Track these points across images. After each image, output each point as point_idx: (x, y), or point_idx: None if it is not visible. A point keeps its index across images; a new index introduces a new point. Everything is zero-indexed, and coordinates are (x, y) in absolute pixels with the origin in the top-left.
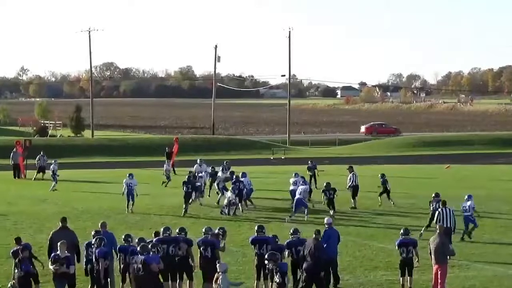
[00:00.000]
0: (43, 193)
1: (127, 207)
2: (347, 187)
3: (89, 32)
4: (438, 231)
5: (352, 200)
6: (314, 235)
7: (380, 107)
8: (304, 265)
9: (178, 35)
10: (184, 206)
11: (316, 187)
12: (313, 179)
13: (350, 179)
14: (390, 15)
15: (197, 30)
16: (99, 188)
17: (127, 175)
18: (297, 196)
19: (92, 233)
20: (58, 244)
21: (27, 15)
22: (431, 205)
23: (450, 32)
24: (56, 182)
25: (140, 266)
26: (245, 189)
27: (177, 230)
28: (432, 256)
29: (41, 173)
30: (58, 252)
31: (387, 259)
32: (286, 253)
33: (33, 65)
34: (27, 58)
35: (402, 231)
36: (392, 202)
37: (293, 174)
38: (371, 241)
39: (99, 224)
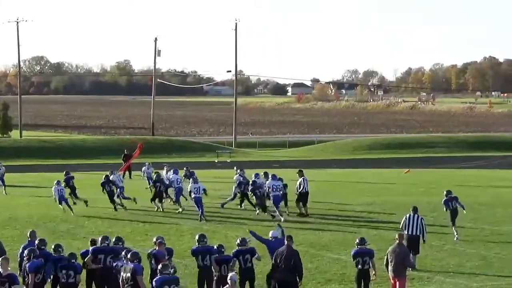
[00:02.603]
0: None
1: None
2: (296, 192)
3: (17, 22)
4: (397, 240)
5: (303, 208)
6: (286, 241)
7: (334, 106)
8: (277, 275)
9: (115, 27)
10: (112, 204)
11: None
12: None
13: (300, 184)
14: (342, 6)
15: (135, 22)
16: (29, 193)
17: (55, 182)
18: (274, 193)
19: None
20: None
21: None
22: (446, 204)
23: (411, 24)
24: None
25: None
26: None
27: (114, 240)
28: (390, 268)
29: None
30: (0, 270)
31: (341, 271)
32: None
33: None
34: None
35: (358, 240)
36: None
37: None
38: (324, 252)
39: (28, 233)
